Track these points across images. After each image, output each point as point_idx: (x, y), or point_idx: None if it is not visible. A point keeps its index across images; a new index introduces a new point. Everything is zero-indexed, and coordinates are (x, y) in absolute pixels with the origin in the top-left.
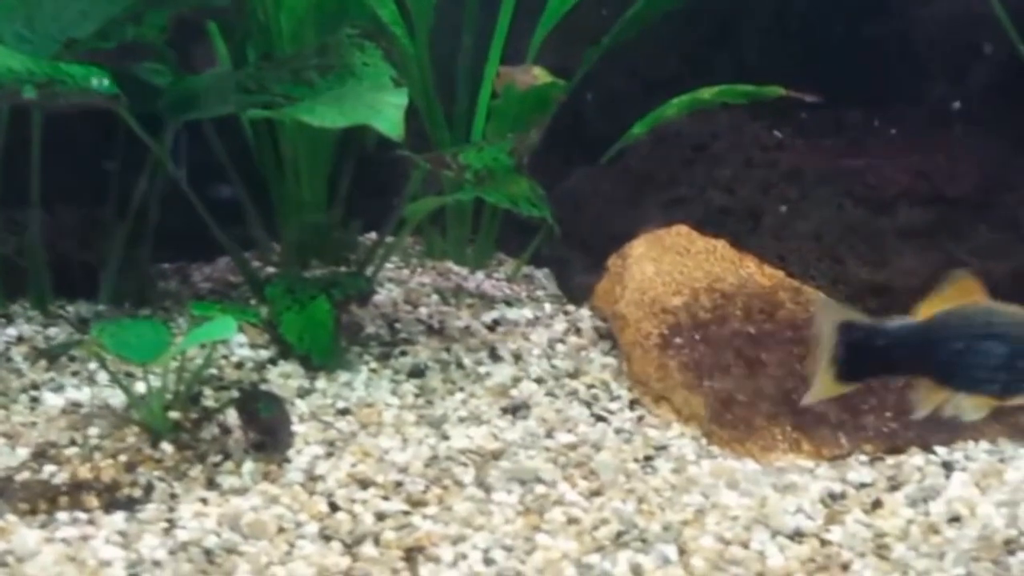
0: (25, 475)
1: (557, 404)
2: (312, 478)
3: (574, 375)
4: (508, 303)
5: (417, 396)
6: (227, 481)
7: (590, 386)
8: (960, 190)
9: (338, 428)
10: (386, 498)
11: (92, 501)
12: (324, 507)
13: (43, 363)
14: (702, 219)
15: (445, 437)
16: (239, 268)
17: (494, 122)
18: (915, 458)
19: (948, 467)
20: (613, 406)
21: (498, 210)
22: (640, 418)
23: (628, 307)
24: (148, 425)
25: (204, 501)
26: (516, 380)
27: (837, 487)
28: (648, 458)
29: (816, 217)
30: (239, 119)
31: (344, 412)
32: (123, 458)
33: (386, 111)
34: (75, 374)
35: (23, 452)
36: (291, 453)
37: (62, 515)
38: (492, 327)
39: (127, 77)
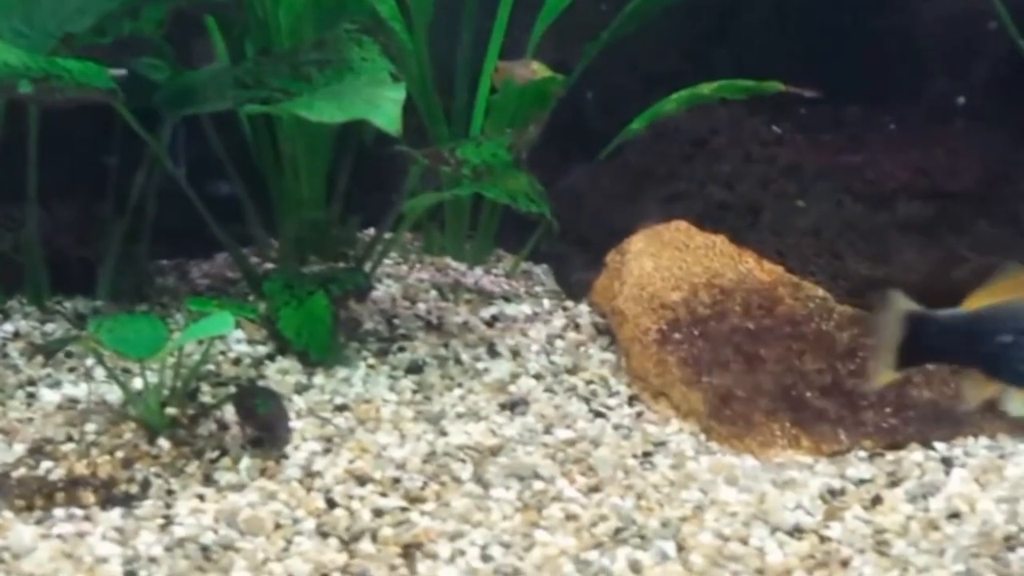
0: (21, 471)
1: (555, 400)
2: (309, 474)
3: (573, 371)
4: (507, 299)
5: (415, 392)
6: (224, 477)
7: (589, 382)
8: (960, 185)
9: (336, 424)
10: (384, 494)
11: (89, 497)
12: (321, 503)
13: (40, 359)
14: (701, 214)
15: (443, 433)
16: (237, 264)
17: (493, 117)
18: (915, 454)
19: (948, 463)
20: (612, 402)
21: (497, 206)
22: (639, 414)
23: (627, 303)
24: (145, 421)
25: (201, 497)
26: (514, 376)
27: (836, 483)
28: (647, 454)
29: (815, 212)
30: (237, 115)
31: (342, 408)
32: (120, 454)
33: (384, 106)
34: (72, 370)
35: (19, 448)
36: (288, 449)
37: (58, 511)
38: (490, 323)
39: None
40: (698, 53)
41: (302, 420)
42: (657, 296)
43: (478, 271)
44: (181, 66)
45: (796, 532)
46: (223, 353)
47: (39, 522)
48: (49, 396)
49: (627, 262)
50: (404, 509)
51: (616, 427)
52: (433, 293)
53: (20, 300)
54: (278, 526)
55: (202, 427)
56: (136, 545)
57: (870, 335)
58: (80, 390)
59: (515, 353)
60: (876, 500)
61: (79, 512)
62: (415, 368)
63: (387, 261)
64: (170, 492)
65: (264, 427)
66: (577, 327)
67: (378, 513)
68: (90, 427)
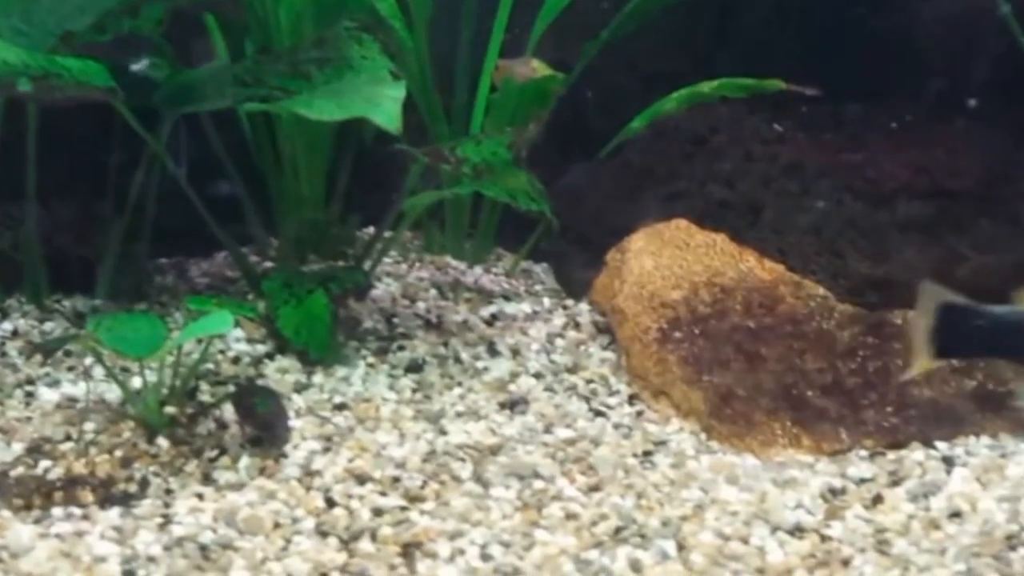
0: (20, 470)
1: (555, 399)
2: (309, 473)
3: (573, 370)
4: (506, 298)
5: (415, 391)
6: (223, 476)
7: (589, 381)
8: (961, 184)
9: (335, 423)
10: (383, 493)
11: (87, 496)
12: (321, 502)
13: (38, 358)
14: (702, 213)
15: (443, 432)
16: (236, 263)
17: (493, 115)
18: (916, 453)
19: (949, 462)
20: (612, 401)
21: (497, 204)
22: (639, 413)
23: (627, 301)
24: (144, 420)
25: (200, 496)
26: (514, 375)
27: (837, 482)
28: (647, 453)
29: (816, 211)
30: (237, 114)
31: (341, 407)
32: (118, 453)
33: (384, 104)
34: (71, 369)
35: (18, 447)
36: (288, 448)
37: (57, 510)
38: (490, 322)
39: (124, 71)
40: (698, 51)
41: (301, 419)
42: (657, 295)
43: (478, 270)
44: (180, 65)
45: (797, 531)
46: (222, 352)
47: (37, 521)
48: (48, 395)
49: (627, 261)
50: (404, 508)
51: (616, 426)
52: (433, 292)
53: (19, 299)
54: (277, 525)
55: (201, 426)
56: (135, 544)
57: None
58: (79, 389)
59: (515, 352)
60: (877, 499)
61: (77, 511)
62: (415, 367)
63: (387, 260)
64: (169, 491)
65: (263, 426)
66: (577, 326)
67: (377, 512)
68: (89, 426)
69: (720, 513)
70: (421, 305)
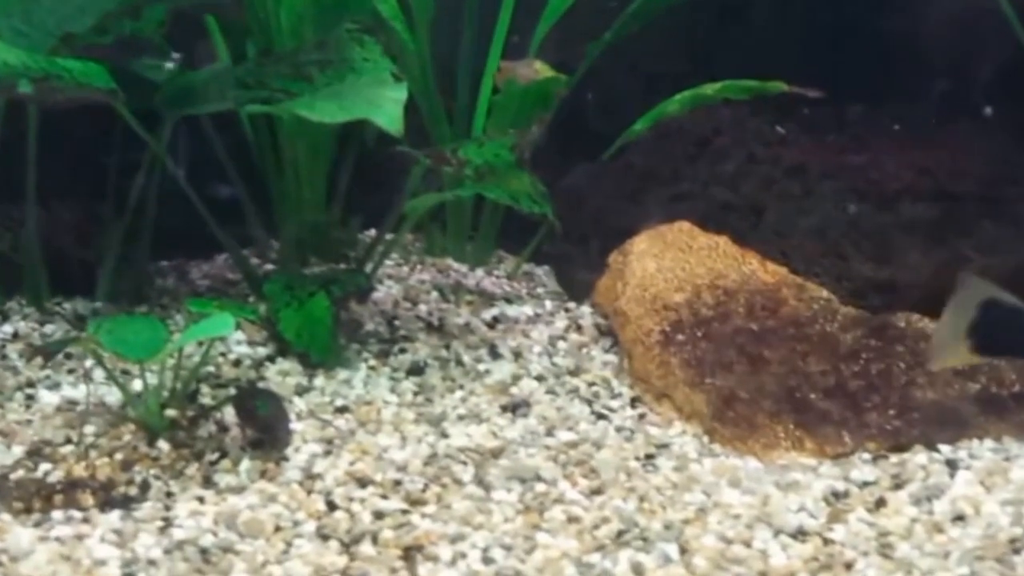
0: (20, 473)
1: (557, 402)
2: (310, 476)
3: (575, 373)
4: (508, 300)
5: (416, 394)
6: (224, 479)
7: (591, 384)
8: (964, 186)
9: (336, 426)
10: (384, 496)
11: (87, 499)
12: (322, 506)
13: (39, 360)
14: (704, 215)
15: (444, 435)
16: (237, 265)
17: (495, 117)
18: (919, 456)
19: (952, 465)
20: (614, 404)
21: (499, 207)
22: (641, 416)
23: (629, 304)
24: (144, 423)
25: (200, 499)
26: (516, 378)
27: (840, 485)
28: (649, 456)
29: (819, 213)
30: (238, 116)
31: (342, 410)
32: (119, 456)
33: (386, 106)
34: (71, 371)
35: (18, 450)
36: (289, 451)
37: (57, 514)
38: (492, 324)
39: (125, 72)
40: (701, 53)
41: (302, 422)
42: (660, 297)
43: (479, 272)
44: (182, 66)
45: (800, 535)
46: (223, 355)
47: (37, 524)
48: (48, 398)
49: (630, 263)
50: (405, 511)
51: (618, 429)
52: (434, 294)
53: (19, 301)
54: (278, 528)
55: (202, 429)
56: (135, 547)
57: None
58: (79, 392)
59: (517, 355)
60: (880, 502)
61: (78, 514)
62: (416, 370)
63: (388, 262)
64: (169, 494)
65: (264, 429)
66: (579, 328)
67: (379, 515)
68: (89, 429)
69: (723, 516)
70: (423, 308)
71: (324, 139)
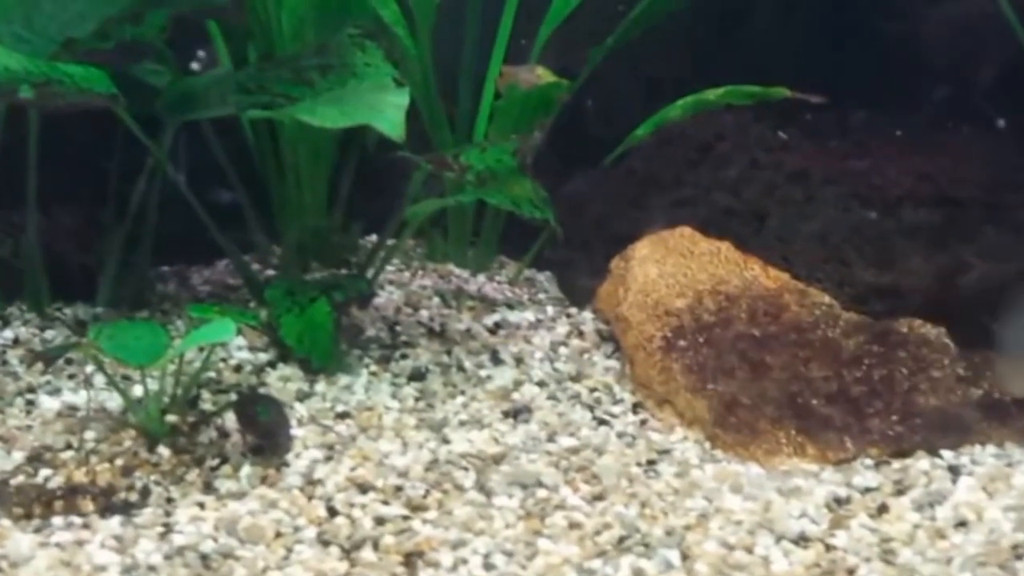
0: (20, 479)
1: (559, 408)
2: (311, 482)
3: (576, 378)
4: (510, 306)
5: (417, 399)
6: (224, 485)
7: (592, 389)
8: (967, 191)
9: (337, 432)
10: (385, 502)
11: (87, 505)
12: (323, 511)
13: (39, 366)
14: (706, 220)
15: (446, 441)
16: (238, 271)
17: (497, 123)
18: (921, 462)
19: (955, 471)
20: (616, 409)
21: (500, 212)
22: (643, 422)
23: (631, 309)
24: (145, 429)
25: (201, 505)
26: (518, 383)
27: (842, 491)
28: (651, 462)
29: (821, 219)
30: (239, 120)
31: (344, 415)
32: (119, 462)
33: (387, 111)
34: (72, 377)
35: (18, 456)
36: (290, 457)
37: (57, 519)
38: (493, 330)
39: (126, 77)
40: (703, 58)
41: (303, 428)
42: (662, 303)
43: (481, 278)
44: (182, 71)
45: (801, 541)
46: (224, 360)
47: (37, 530)
48: (48, 403)
49: (631, 268)
50: (406, 517)
51: (620, 435)
52: (436, 300)
53: (20, 306)
54: (279, 534)
55: (203, 435)
56: (135, 553)
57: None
58: (80, 397)
59: (518, 360)
60: (882, 508)
61: (78, 520)
62: (417, 375)
63: (389, 268)
64: (170, 500)
65: (265, 435)
66: (581, 334)
67: (380, 521)
68: (89, 435)
69: (724, 522)
70: (424, 313)
71: (325, 144)
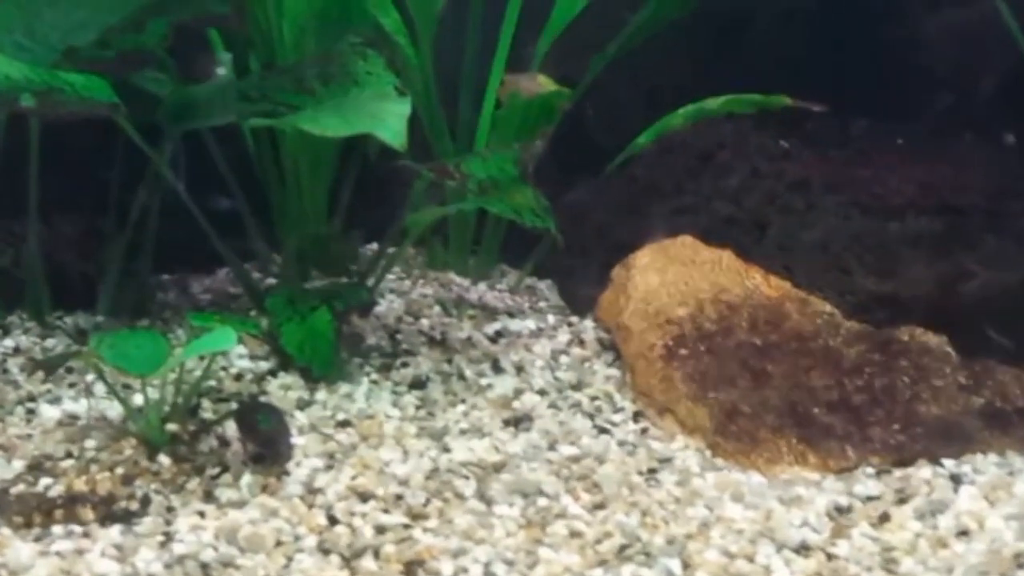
0: (20, 488)
1: (560, 416)
2: (311, 491)
3: (577, 387)
4: (511, 314)
5: (418, 408)
6: (225, 494)
7: (593, 398)
8: (968, 200)
9: (338, 440)
10: (386, 511)
11: (88, 514)
12: (323, 520)
13: (40, 375)
14: (707, 229)
15: (446, 449)
16: (239, 279)
17: (498, 131)
18: (923, 471)
19: (956, 480)
20: (616, 418)
21: (501, 221)
22: (644, 430)
23: (632, 318)
24: (145, 437)
25: (201, 514)
26: (518, 392)
27: (844, 500)
28: (652, 471)
29: (822, 227)
30: (239, 129)
31: (344, 424)
32: (120, 471)
33: (389, 120)
34: (72, 386)
35: (18, 464)
36: (290, 466)
37: (57, 528)
38: (494, 338)
39: (127, 86)
40: (704, 67)
41: (304, 436)
42: (663, 311)
43: (482, 286)
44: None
45: (803, 549)
46: (225, 369)
47: (37, 539)
48: (49, 412)
49: (632, 277)
50: (407, 526)
51: (621, 443)
52: (436, 308)
53: (20, 315)
54: (279, 543)
55: (203, 443)
56: (135, 562)
57: None
58: (80, 406)
59: (519, 369)
60: (884, 517)
61: (78, 529)
62: (418, 384)
63: (390, 276)
64: (170, 509)
65: (266, 443)
66: (582, 343)
67: (380, 530)
68: (90, 443)
69: (725, 531)
70: (425, 322)
71: (326, 152)
